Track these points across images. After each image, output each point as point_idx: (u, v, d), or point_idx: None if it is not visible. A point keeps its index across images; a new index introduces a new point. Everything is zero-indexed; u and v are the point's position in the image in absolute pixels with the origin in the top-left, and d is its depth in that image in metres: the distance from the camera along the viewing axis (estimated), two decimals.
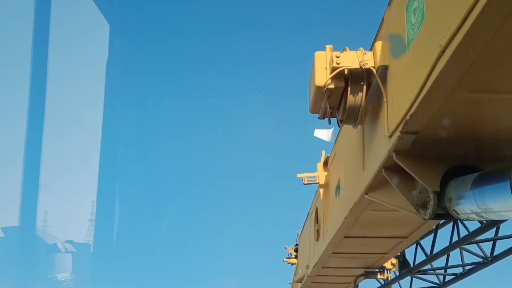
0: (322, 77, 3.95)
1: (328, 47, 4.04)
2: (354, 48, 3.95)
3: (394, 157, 3.52)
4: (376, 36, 4.01)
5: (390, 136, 3.47)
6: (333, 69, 3.84)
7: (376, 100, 3.92)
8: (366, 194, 4.38)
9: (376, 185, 4.20)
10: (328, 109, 4.14)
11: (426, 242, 8.40)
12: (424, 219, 3.56)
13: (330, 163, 6.53)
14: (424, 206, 3.52)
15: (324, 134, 4.11)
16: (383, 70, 3.70)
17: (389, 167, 3.78)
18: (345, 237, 6.05)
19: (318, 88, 3.97)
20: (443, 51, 2.50)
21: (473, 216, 3.22)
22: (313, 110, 4.31)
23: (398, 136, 3.29)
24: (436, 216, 3.49)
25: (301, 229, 10.48)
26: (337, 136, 5.95)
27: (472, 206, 3.10)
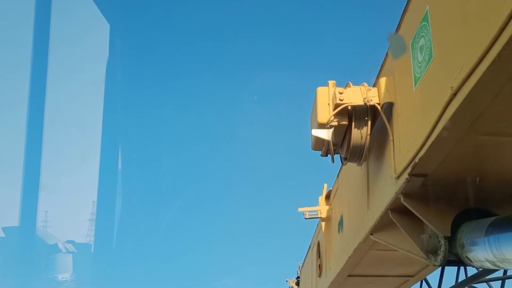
0: (325, 114, 3.80)
1: (330, 82, 3.90)
2: (356, 81, 3.82)
3: (401, 199, 3.34)
4: (380, 71, 3.88)
5: (398, 178, 3.30)
6: (336, 105, 3.70)
7: (380, 137, 3.77)
8: (372, 234, 4.18)
9: (382, 226, 4.00)
10: (332, 146, 3.98)
11: (433, 278, 8.11)
12: (435, 265, 3.35)
13: (332, 197, 6.34)
14: (434, 252, 3.32)
15: (323, 133, 3.92)
16: (388, 106, 3.56)
17: (396, 209, 3.60)
18: (349, 275, 5.82)
19: (321, 125, 3.82)
20: (455, 94, 2.35)
21: (488, 264, 3.02)
22: (316, 147, 4.15)
23: (406, 178, 3.11)
24: (447, 263, 3.28)
25: (302, 262, 10.21)
26: (340, 170, 5.78)
27: (486, 254, 2.90)
